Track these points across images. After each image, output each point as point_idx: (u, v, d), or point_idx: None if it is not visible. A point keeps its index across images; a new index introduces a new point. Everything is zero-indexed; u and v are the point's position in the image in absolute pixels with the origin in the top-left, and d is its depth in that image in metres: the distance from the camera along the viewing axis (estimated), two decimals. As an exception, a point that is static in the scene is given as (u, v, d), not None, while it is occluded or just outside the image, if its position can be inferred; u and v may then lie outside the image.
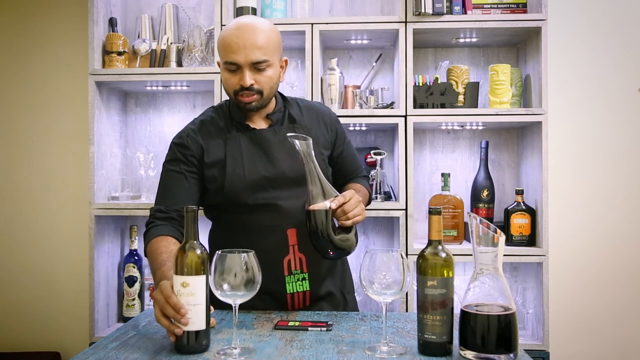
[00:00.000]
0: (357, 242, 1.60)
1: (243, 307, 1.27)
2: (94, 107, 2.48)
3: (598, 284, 2.69)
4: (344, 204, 1.51)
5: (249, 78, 1.57)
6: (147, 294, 2.58)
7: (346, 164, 1.84)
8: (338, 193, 1.54)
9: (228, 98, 1.71)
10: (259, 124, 1.70)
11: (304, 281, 1.63)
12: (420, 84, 2.45)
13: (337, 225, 1.55)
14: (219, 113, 1.72)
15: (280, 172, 1.64)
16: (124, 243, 2.73)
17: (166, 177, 1.66)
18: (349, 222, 1.52)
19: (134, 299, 2.57)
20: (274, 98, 1.72)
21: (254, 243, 1.48)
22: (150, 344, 1.30)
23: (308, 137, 1.56)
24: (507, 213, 2.44)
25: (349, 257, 2.77)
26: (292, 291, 1.63)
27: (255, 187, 1.62)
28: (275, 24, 2.40)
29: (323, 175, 1.55)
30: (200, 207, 1.68)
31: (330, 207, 1.51)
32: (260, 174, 1.63)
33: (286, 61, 1.71)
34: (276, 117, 1.70)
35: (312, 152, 1.54)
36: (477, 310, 1.16)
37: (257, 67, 1.58)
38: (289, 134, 1.55)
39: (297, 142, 1.51)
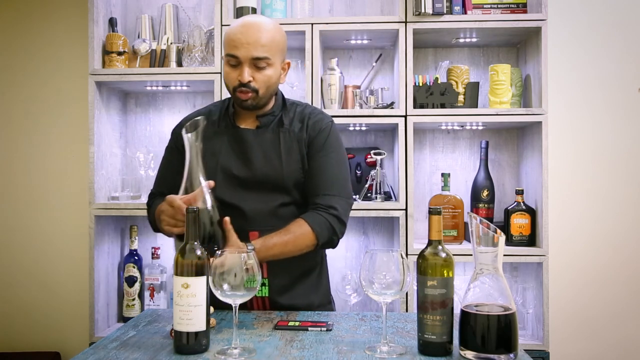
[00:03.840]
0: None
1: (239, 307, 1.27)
2: (94, 107, 2.48)
3: (598, 284, 2.69)
4: None
5: (247, 74, 1.58)
6: (147, 294, 2.58)
7: (311, 176, 1.66)
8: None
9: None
10: (249, 124, 1.69)
11: (263, 287, 1.61)
12: (420, 84, 2.45)
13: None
14: (218, 107, 1.76)
15: (251, 175, 1.62)
16: (124, 243, 2.73)
17: (163, 163, 1.80)
18: None
19: (134, 299, 2.57)
20: (272, 100, 1.70)
21: None
22: (150, 344, 1.30)
23: (199, 122, 1.49)
24: (507, 213, 2.44)
25: (343, 260, 2.76)
26: None
27: (223, 184, 1.61)
28: (275, 24, 2.43)
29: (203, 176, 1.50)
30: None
31: (213, 206, 1.46)
32: (232, 172, 1.63)
33: (289, 64, 1.70)
34: (265, 120, 1.67)
35: (200, 146, 1.49)
36: (477, 310, 1.16)
37: (256, 64, 1.59)
38: (184, 128, 1.49)
39: (186, 136, 1.48)
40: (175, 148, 1.72)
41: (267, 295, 1.63)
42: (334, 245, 1.65)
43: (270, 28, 1.61)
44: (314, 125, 1.68)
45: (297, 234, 1.57)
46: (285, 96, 1.76)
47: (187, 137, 1.47)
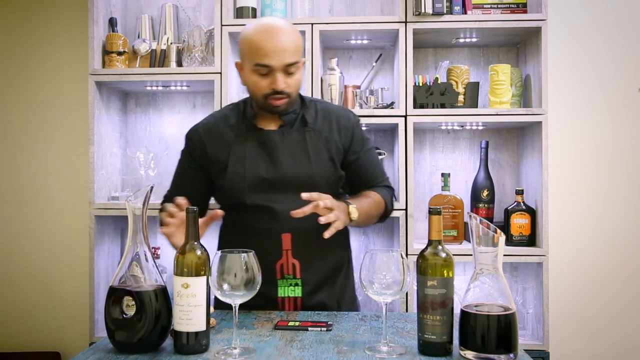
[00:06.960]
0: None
1: (242, 306, 1.27)
2: (94, 107, 2.48)
3: (598, 284, 2.69)
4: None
5: (282, 82, 1.59)
6: (147, 294, 2.58)
7: (363, 171, 1.77)
8: None
9: (232, 99, 1.71)
10: (270, 124, 1.70)
11: (296, 287, 1.62)
12: (420, 84, 2.45)
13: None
14: (234, 111, 1.75)
15: (280, 175, 1.63)
16: (124, 243, 2.73)
17: (178, 168, 1.79)
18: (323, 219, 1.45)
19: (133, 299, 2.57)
20: None
21: (248, 243, 1.43)
22: (150, 344, 1.29)
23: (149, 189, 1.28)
24: (507, 213, 2.44)
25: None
26: (283, 295, 1.61)
27: (253, 188, 1.63)
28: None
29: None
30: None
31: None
32: (261, 175, 1.63)
33: (304, 62, 1.72)
34: (288, 118, 1.69)
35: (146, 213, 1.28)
36: (477, 310, 1.16)
37: (288, 70, 1.60)
38: (127, 199, 1.26)
39: (130, 204, 1.24)
40: (191, 155, 1.74)
41: (300, 295, 1.63)
42: (387, 218, 1.81)
43: (291, 30, 1.63)
44: (347, 124, 1.74)
45: (377, 200, 1.72)
46: None
47: (132, 205, 1.24)
